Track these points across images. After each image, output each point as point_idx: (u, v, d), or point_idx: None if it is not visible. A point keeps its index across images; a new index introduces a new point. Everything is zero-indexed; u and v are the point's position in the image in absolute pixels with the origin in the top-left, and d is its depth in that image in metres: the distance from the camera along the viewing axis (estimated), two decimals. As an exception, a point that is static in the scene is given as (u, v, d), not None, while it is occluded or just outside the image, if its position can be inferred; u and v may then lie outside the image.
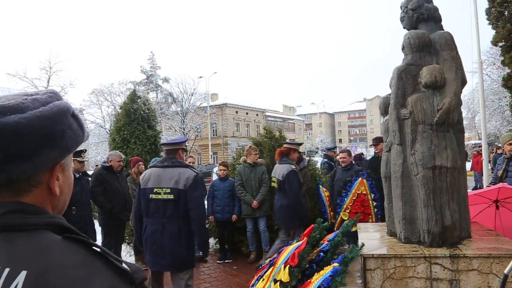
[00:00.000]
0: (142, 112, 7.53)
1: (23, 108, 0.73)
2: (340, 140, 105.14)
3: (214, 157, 46.25)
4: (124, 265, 0.73)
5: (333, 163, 11.66)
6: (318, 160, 11.34)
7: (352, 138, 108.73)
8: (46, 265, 0.66)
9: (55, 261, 0.67)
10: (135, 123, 7.44)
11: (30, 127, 0.71)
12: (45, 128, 0.73)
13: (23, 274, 0.64)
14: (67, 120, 0.79)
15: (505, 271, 2.01)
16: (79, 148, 6.52)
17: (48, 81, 26.64)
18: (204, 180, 8.10)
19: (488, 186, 5.51)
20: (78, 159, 5.33)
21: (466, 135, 41.69)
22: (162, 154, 8.21)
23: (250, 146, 6.82)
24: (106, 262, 0.71)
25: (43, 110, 0.75)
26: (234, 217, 6.57)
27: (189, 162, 6.90)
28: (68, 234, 0.74)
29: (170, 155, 4.02)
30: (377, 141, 6.91)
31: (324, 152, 12.43)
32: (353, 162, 6.80)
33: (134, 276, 0.72)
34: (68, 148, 0.79)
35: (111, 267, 0.71)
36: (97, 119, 33.26)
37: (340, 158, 6.65)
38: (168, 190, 3.80)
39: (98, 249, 0.73)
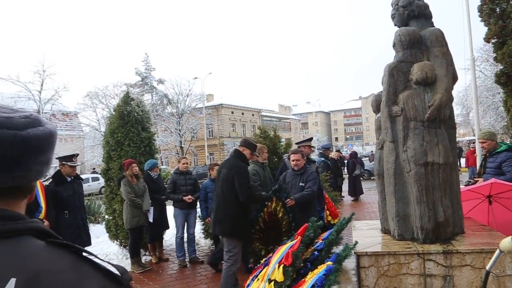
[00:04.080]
0: (135, 114, 7.46)
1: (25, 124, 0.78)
2: (336, 139, 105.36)
3: (210, 157, 46.20)
4: (110, 267, 0.74)
5: (328, 162, 11.71)
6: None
7: (348, 136, 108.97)
8: (35, 271, 0.66)
9: (44, 267, 0.67)
10: (129, 125, 7.36)
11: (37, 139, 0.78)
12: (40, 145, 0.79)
13: (13, 281, 0.64)
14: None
15: (487, 267, 2.02)
16: (71, 153, 6.30)
17: (42, 85, 26.36)
18: (199, 181, 8.09)
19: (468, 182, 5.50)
20: (69, 163, 5.28)
21: (461, 131, 41.99)
22: (157, 156, 8.22)
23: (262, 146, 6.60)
24: (93, 265, 0.72)
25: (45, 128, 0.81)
26: None
27: (183, 164, 6.89)
28: (51, 239, 0.74)
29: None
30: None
31: (320, 151, 12.44)
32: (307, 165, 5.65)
33: (121, 277, 0.74)
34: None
35: (99, 269, 0.72)
36: (92, 122, 33.17)
37: (293, 160, 5.41)
38: None
39: (84, 253, 0.74)
